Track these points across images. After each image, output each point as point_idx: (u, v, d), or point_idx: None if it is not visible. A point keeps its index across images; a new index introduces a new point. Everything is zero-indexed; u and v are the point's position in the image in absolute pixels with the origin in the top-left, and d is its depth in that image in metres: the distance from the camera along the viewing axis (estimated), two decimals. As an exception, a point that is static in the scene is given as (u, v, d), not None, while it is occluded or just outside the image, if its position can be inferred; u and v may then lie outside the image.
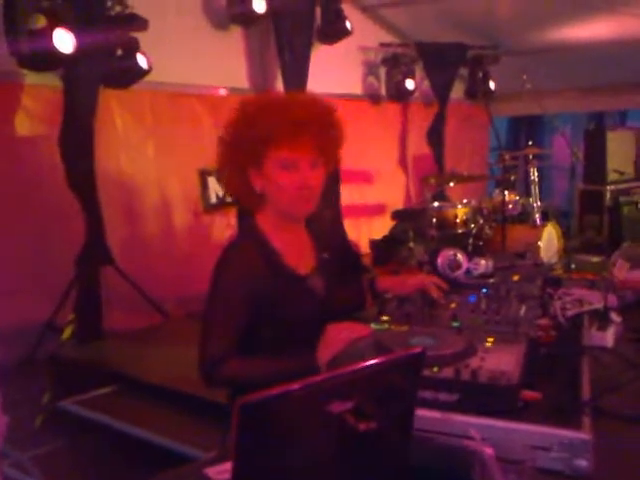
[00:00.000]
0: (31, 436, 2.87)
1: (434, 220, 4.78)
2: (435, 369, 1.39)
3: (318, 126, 1.63)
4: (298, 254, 1.75)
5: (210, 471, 1.20)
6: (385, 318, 1.79)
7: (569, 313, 1.87)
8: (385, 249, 5.37)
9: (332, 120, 1.70)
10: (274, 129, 1.59)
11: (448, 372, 1.38)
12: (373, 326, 1.72)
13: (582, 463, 1.19)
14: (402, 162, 7.00)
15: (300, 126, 1.59)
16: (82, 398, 3.13)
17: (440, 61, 6.46)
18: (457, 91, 6.99)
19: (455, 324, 1.72)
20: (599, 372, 1.56)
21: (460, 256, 2.15)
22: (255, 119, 1.61)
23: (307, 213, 1.72)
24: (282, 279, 1.68)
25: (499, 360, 1.44)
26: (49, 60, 3.46)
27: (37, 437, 2.90)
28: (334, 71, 5.74)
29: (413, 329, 1.68)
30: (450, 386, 1.34)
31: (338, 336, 1.52)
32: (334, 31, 5.39)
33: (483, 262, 2.12)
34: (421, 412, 1.23)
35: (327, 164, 1.71)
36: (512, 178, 5.12)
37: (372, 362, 1.05)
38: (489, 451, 1.12)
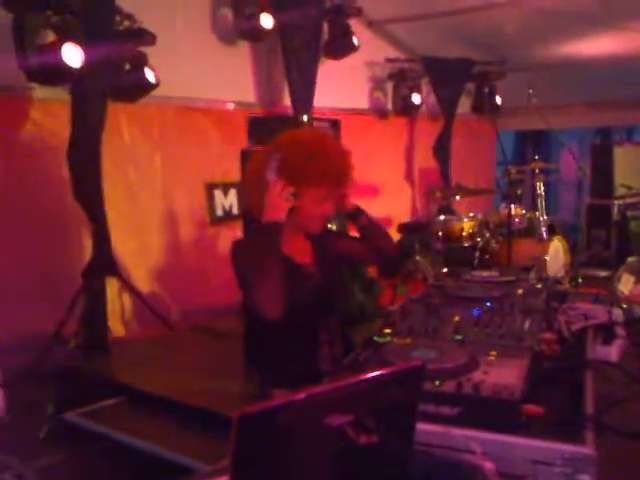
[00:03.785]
0: (34, 447, 2.86)
1: (440, 233, 4.78)
2: (437, 382, 1.38)
3: (346, 171, 2.03)
4: (297, 249, 2.05)
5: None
6: (388, 331, 1.78)
7: (574, 327, 1.86)
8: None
9: (350, 165, 2.07)
10: (320, 173, 1.93)
11: (450, 385, 1.37)
12: (376, 339, 1.72)
13: (585, 478, 1.17)
14: (408, 175, 7.02)
15: (338, 171, 1.99)
16: (86, 410, 3.12)
17: (446, 76, 6.48)
18: (463, 106, 7.01)
19: (458, 337, 1.72)
20: (603, 387, 1.55)
21: None
22: (300, 161, 1.92)
23: (318, 231, 2.08)
24: (283, 265, 1.91)
25: (502, 374, 1.43)
26: (58, 74, 3.49)
27: (41, 448, 2.90)
28: (341, 86, 5.78)
29: (416, 342, 1.67)
30: (452, 400, 1.33)
31: None
32: (341, 46, 5.42)
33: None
34: (422, 426, 1.23)
35: None
36: (519, 192, 5.11)
37: (372, 375, 1.05)
38: (490, 466, 1.11)
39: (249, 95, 5.25)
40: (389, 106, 6.59)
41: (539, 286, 2.30)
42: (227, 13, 4.92)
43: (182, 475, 2.32)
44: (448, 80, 6.51)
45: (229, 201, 5.04)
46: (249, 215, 2.21)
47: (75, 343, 3.70)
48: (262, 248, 1.87)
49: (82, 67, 3.47)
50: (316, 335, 1.99)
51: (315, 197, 1.96)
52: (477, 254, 4.80)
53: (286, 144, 1.97)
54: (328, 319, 2.06)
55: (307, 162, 1.91)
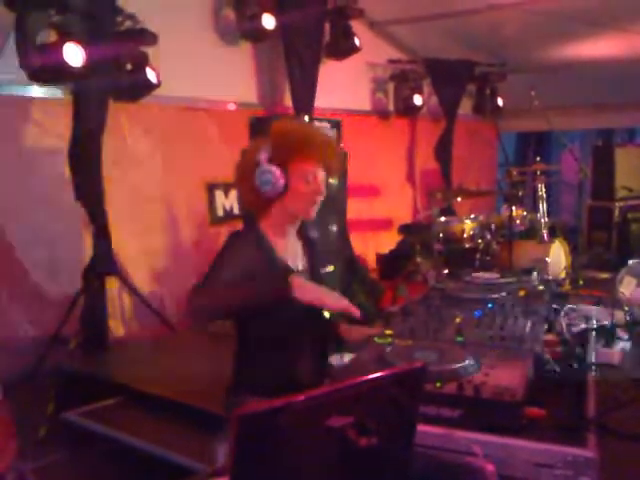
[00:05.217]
0: (34, 447, 2.86)
1: (441, 235, 4.76)
2: (438, 384, 1.37)
3: (330, 151, 2.01)
4: (289, 254, 2.02)
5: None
6: (389, 332, 1.78)
7: (575, 329, 1.86)
8: (392, 263, 5.36)
9: (337, 150, 2.05)
10: (303, 145, 1.94)
11: (451, 387, 1.36)
12: (377, 340, 1.71)
13: (586, 481, 1.17)
14: (410, 177, 7.01)
15: (321, 147, 1.97)
16: (86, 410, 3.12)
17: (448, 77, 6.48)
18: (465, 107, 7.01)
19: (459, 339, 1.71)
20: (605, 389, 1.54)
21: None
22: (285, 137, 1.95)
23: (312, 217, 2.02)
24: (274, 269, 1.91)
25: (503, 376, 1.42)
26: (59, 74, 3.49)
27: (40, 448, 2.89)
28: (343, 87, 5.77)
29: (417, 344, 1.67)
30: (453, 402, 1.33)
31: (317, 290, 1.77)
32: (343, 47, 5.42)
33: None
34: (424, 428, 1.22)
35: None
36: (520, 194, 5.10)
37: (373, 376, 1.04)
38: (491, 468, 1.11)
39: (251, 95, 5.24)
40: (390, 107, 6.58)
41: (540, 288, 2.30)
42: (229, 13, 4.92)
43: (180, 475, 2.31)
44: (449, 81, 6.51)
45: (230, 201, 5.04)
46: (247, 213, 2.19)
47: (75, 343, 3.69)
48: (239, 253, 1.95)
49: (83, 67, 3.47)
50: (300, 345, 1.94)
51: (302, 173, 1.94)
52: (478, 256, 4.78)
53: (274, 132, 2.00)
54: (313, 330, 1.98)
55: (292, 139, 1.95)
